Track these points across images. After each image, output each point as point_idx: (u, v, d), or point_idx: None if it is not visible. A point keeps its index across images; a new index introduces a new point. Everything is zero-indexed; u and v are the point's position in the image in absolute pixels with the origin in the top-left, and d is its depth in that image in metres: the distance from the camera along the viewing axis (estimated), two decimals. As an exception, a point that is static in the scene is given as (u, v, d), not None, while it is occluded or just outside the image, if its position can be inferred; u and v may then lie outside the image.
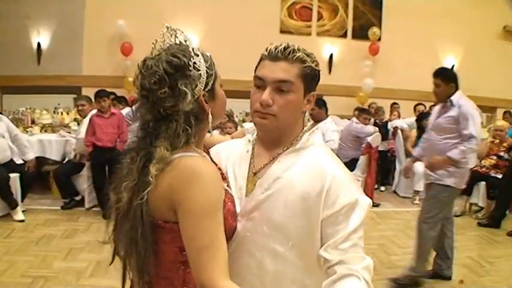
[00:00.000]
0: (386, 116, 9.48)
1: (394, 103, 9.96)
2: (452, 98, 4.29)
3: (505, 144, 7.23)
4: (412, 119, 8.60)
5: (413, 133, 8.22)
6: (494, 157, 7.33)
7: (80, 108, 6.69)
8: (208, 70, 1.43)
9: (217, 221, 1.33)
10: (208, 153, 1.65)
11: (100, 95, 6.22)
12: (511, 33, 11.86)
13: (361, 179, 7.22)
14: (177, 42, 1.45)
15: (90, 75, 9.32)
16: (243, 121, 8.41)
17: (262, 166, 1.58)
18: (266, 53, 1.53)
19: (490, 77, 11.29)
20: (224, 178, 1.59)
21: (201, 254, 1.29)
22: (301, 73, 1.50)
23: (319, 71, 1.57)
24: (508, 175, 6.80)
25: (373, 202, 1.47)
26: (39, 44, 9.39)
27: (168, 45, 1.44)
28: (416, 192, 7.86)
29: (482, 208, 7.33)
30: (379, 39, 10.88)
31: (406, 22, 10.74)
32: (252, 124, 1.61)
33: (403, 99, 10.21)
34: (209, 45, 9.76)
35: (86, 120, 6.32)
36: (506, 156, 7.17)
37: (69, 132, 7.29)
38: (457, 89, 4.35)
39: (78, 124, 7.21)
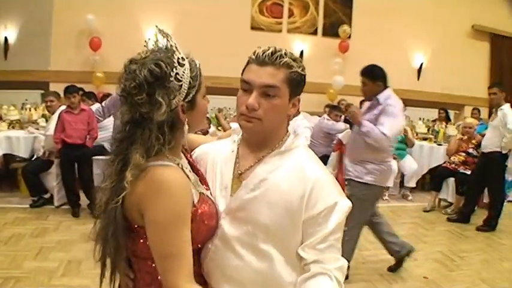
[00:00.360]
0: (357, 113, 9.58)
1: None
2: (379, 96, 4.27)
3: (473, 141, 7.38)
4: (382, 116, 8.67)
5: (384, 129, 8.26)
6: (463, 154, 7.49)
7: (48, 104, 6.56)
8: (191, 81, 1.45)
9: (182, 230, 1.39)
10: (190, 155, 1.70)
11: (70, 90, 6.09)
12: (479, 32, 12.09)
13: (332, 175, 7.26)
14: (169, 46, 1.46)
15: (58, 70, 9.11)
16: (216, 118, 8.37)
17: (248, 168, 1.60)
18: (253, 57, 1.55)
19: (458, 75, 11.50)
20: (204, 181, 1.65)
21: (166, 261, 1.38)
22: (288, 78, 1.52)
23: (305, 75, 1.58)
24: (477, 171, 6.93)
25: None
26: (6, 39, 9.18)
27: (157, 48, 1.46)
28: (386, 188, 7.96)
29: (451, 204, 7.51)
30: (349, 37, 10.97)
31: (376, 20, 10.83)
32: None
33: (373, 97, 10.33)
34: (179, 42, 9.63)
35: (55, 117, 6.18)
36: (474, 153, 7.32)
37: (38, 129, 7.13)
38: (385, 87, 4.32)
39: (47, 120, 7.08)
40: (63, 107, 6.21)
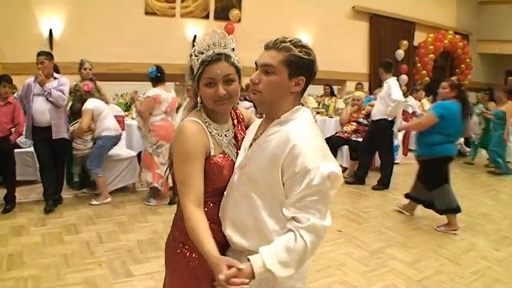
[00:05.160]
0: (252, 93, 10.12)
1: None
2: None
3: (363, 112, 8.22)
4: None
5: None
6: (354, 123, 8.31)
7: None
8: (196, 70, 1.96)
9: (192, 166, 1.87)
10: (241, 126, 2.19)
11: (3, 80, 5.79)
12: (358, 12, 13.12)
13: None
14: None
15: None
16: (127, 104, 8.49)
17: (259, 134, 1.96)
18: (264, 45, 1.91)
19: (340, 52, 12.39)
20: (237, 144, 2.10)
21: (179, 186, 1.91)
22: (285, 59, 1.83)
23: (308, 59, 1.87)
24: (367, 138, 7.79)
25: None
26: None
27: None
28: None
29: (346, 168, 8.31)
30: (240, 20, 11.46)
31: (264, 4, 11.48)
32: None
33: (264, 76, 10.89)
34: (75, 30, 9.63)
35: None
36: (365, 122, 8.17)
37: None
38: None
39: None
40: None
